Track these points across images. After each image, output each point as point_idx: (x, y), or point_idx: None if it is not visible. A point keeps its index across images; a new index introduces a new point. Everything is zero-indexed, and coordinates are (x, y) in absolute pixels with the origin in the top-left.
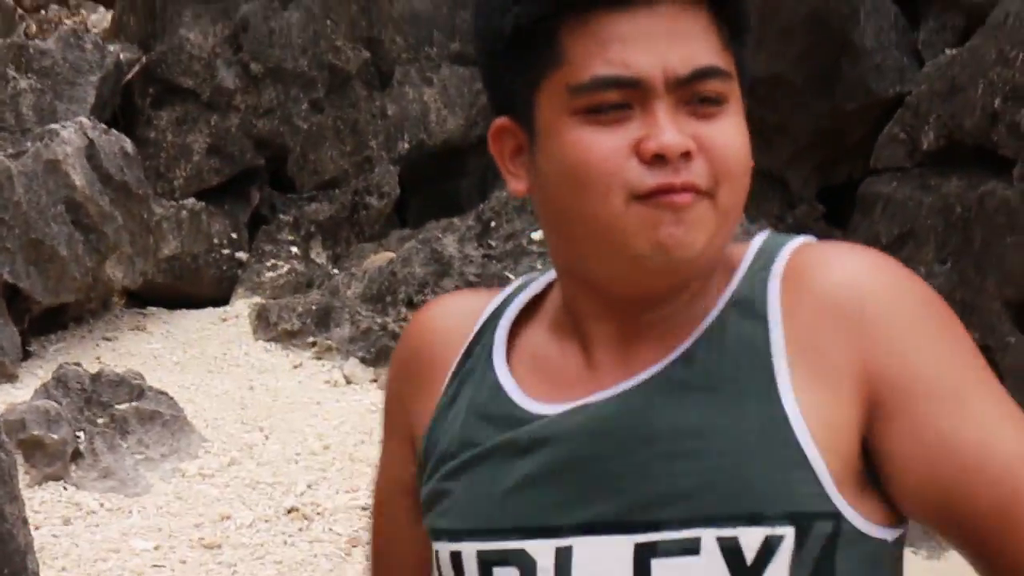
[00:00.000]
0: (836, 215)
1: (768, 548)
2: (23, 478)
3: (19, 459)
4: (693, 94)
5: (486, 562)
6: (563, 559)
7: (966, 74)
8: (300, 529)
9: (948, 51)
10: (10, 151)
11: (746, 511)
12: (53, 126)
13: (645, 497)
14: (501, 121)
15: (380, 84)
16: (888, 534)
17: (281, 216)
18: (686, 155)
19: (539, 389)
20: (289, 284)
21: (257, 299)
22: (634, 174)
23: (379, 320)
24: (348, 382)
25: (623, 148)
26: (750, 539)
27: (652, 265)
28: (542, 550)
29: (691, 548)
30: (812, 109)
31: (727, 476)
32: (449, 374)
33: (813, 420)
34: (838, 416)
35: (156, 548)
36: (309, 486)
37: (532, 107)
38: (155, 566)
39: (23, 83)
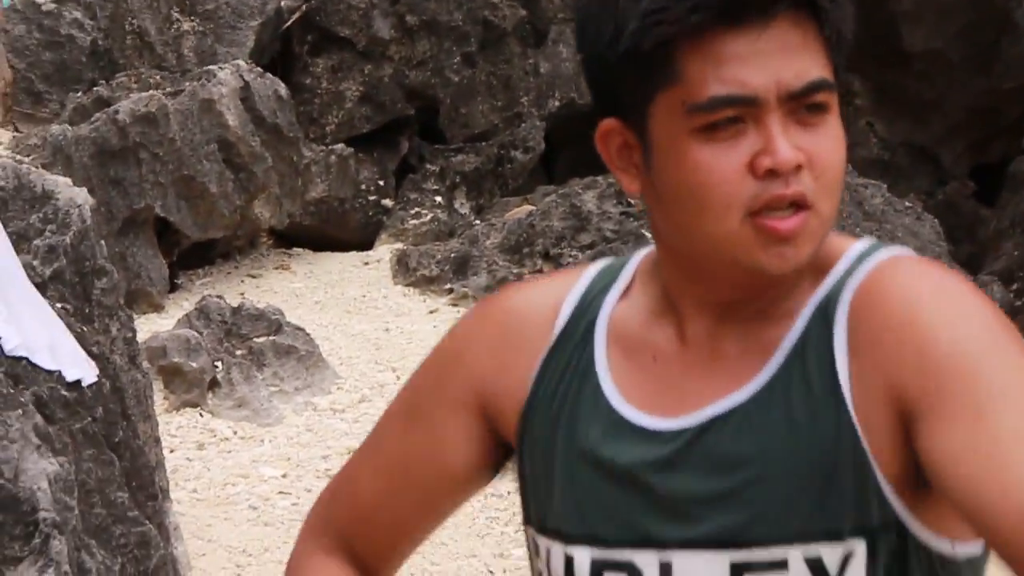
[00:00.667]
0: (987, 193)
1: (846, 561)
2: (162, 403)
3: (159, 385)
4: (802, 105)
5: (598, 569)
6: (665, 572)
7: None
8: None
9: None
10: (168, 90)
11: (825, 528)
12: (210, 67)
13: (739, 517)
14: (610, 123)
15: (535, 42)
16: (959, 549)
17: (428, 166)
18: (797, 168)
19: (638, 394)
20: (431, 232)
21: (399, 245)
22: (749, 192)
23: (515, 270)
24: None
25: (740, 168)
26: (831, 555)
27: (766, 275)
28: (648, 563)
29: (780, 565)
30: (969, 86)
31: (808, 496)
32: (540, 362)
33: (872, 428)
34: (887, 423)
35: (283, 476)
36: None
37: (645, 117)
38: (281, 493)
39: (186, 25)
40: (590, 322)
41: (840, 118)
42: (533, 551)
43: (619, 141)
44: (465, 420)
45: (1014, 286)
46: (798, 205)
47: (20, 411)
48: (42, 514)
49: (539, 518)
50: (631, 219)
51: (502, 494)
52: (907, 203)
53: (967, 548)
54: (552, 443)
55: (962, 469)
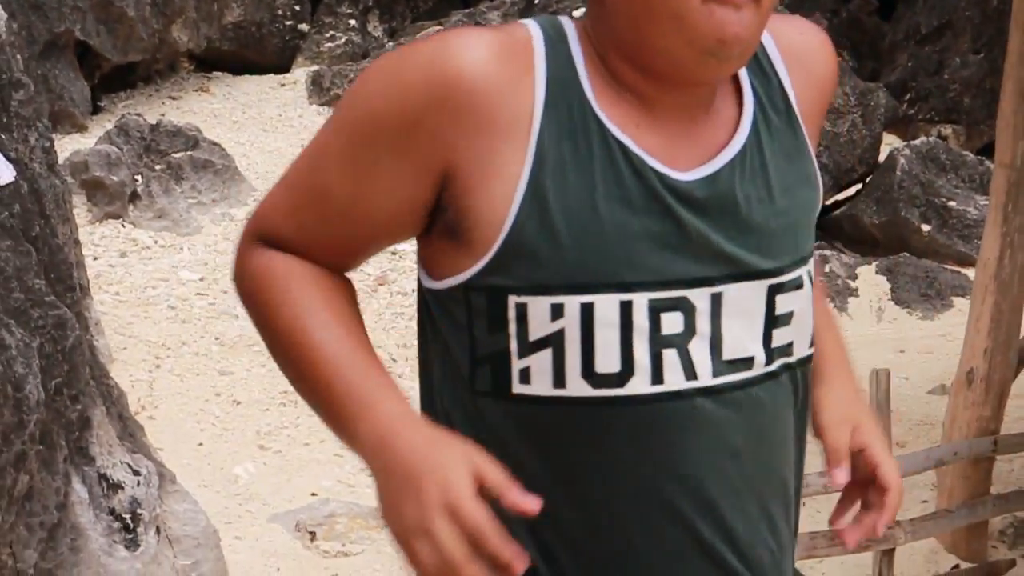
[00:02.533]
0: (887, 9)
1: (810, 274)
2: (85, 215)
3: (82, 198)
4: None
5: (655, 309)
6: (716, 302)
7: None
8: None
9: None
10: None
11: (810, 246)
12: None
13: (770, 250)
14: None
15: None
16: None
17: None
18: None
19: (656, 148)
20: (346, 55)
21: (316, 68)
22: None
23: None
24: None
25: None
26: (811, 268)
27: (715, 59)
28: (701, 296)
29: (799, 284)
30: None
31: (804, 225)
32: (536, 128)
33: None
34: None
35: (201, 279)
36: None
37: None
38: (199, 294)
39: None
40: (579, 98)
41: None
42: (494, 317)
43: None
44: (421, 180)
45: (907, 96)
46: None
47: None
48: None
49: (538, 280)
50: None
51: (407, 292)
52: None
53: None
54: (585, 207)
55: None
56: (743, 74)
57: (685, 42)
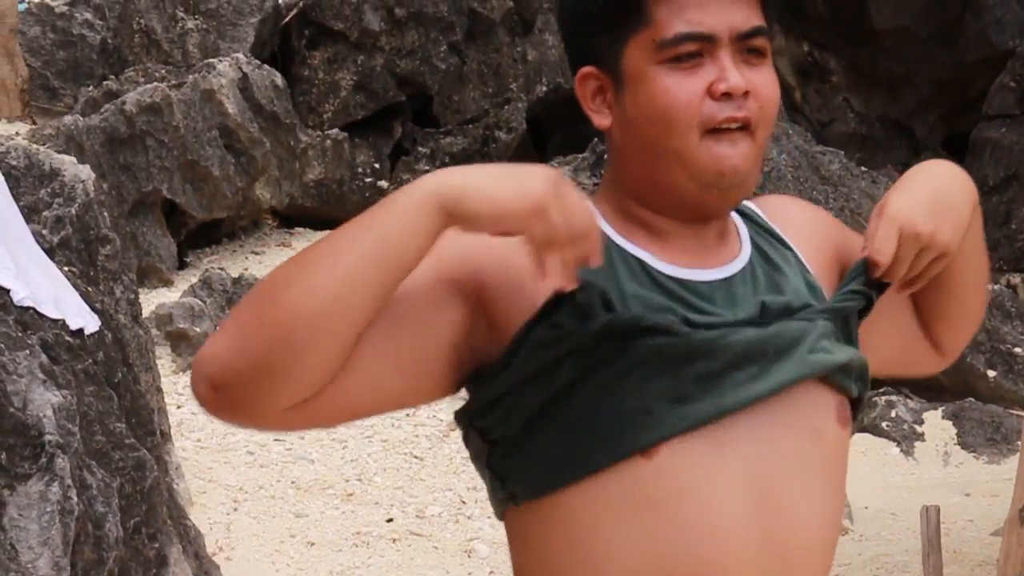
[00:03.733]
0: (960, 162)
1: None
2: (170, 365)
3: (167, 349)
4: (747, 47)
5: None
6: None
7: None
8: (407, 415)
9: None
10: (172, 82)
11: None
12: (211, 60)
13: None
14: (587, 69)
15: (522, 31)
16: None
17: (420, 148)
18: (745, 94)
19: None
20: None
21: None
22: (708, 111)
23: None
24: None
25: (700, 92)
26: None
27: (715, 192)
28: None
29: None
30: (936, 61)
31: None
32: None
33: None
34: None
35: None
36: None
37: (619, 59)
38: (276, 440)
39: (190, 23)
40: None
41: (774, 67)
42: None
43: (594, 85)
44: (467, 312)
45: None
46: (745, 127)
47: (27, 351)
48: (47, 437)
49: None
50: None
51: None
52: (863, 168)
53: None
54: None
55: None
56: (742, 228)
57: (688, 177)
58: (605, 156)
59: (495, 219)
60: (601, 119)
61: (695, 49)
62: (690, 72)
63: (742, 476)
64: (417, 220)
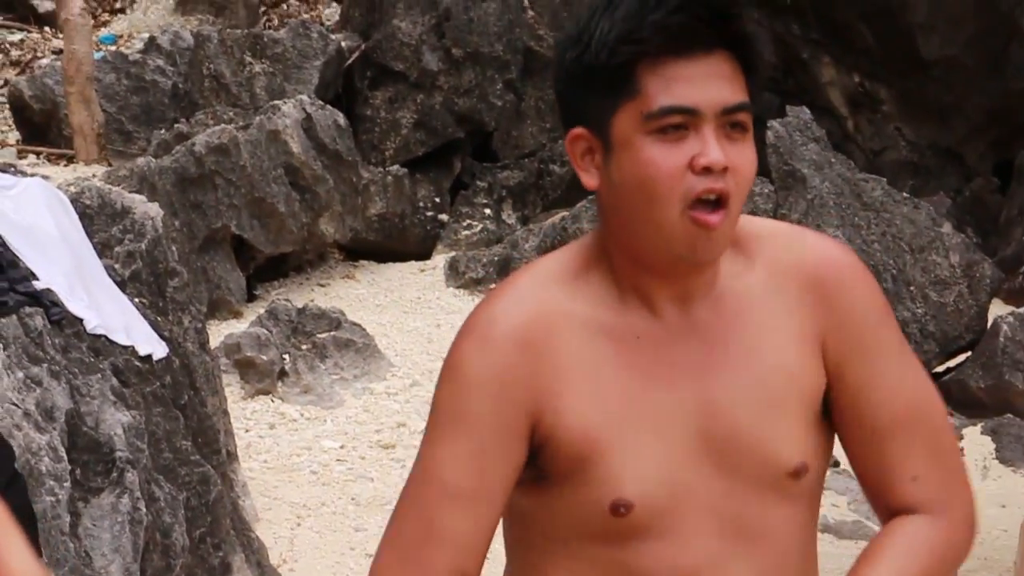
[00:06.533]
0: (1005, 187)
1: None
2: (239, 391)
3: (235, 376)
4: (730, 122)
5: None
6: None
7: None
8: None
9: None
10: (240, 124)
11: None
12: (276, 102)
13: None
14: (578, 131)
15: None
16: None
17: (478, 182)
18: (724, 169)
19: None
20: (482, 241)
21: (454, 254)
22: (688, 185)
23: None
24: None
25: (681, 165)
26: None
27: (688, 262)
28: None
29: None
30: (985, 89)
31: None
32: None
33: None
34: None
35: (341, 447)
36: None
37: (608, 125)
38: (339, 460)
39: (257, 67)
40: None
41: (753, 141)
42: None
43: (584, 146)
44: (521, 444)
45: (1023, 269)
46: (721, 200)
47: (99, 375)
48: (118, 453)
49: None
50: None
51: None
52: (905, 194)
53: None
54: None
55: None
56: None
57: (664, 245)
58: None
59: None
60: (589, 179)
61: (680, 122)
62: (674, 144)
63: (706, 528)
64: None
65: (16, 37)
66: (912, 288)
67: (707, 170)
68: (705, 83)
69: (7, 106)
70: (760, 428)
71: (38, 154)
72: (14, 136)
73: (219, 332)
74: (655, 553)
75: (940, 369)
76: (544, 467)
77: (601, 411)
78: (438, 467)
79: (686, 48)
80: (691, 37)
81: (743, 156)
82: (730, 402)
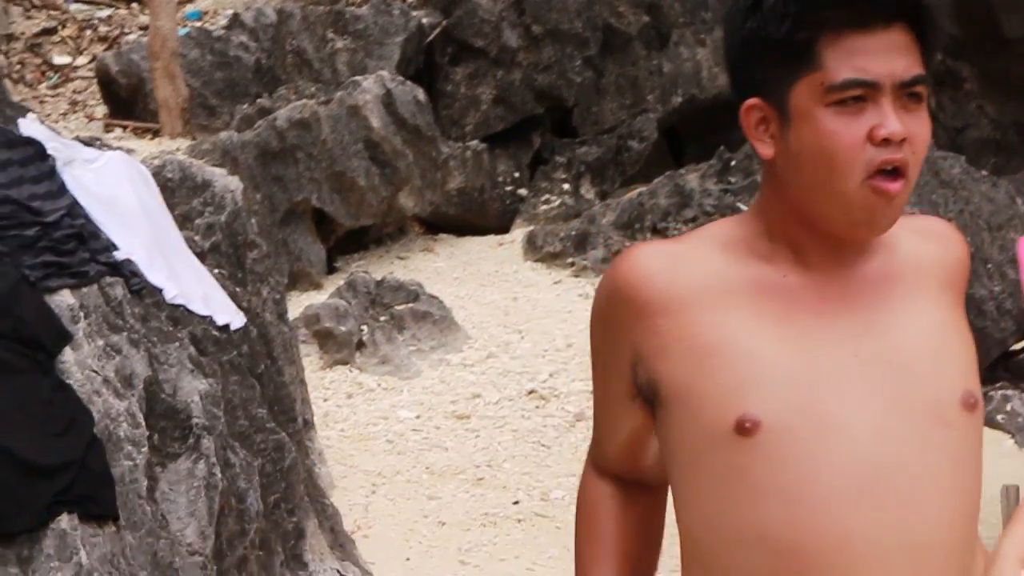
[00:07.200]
0: None
1: None
2: (317, 362)
3: (314, 347)
4: (906, 93)
5: None
6: None
7: None
8: (537, 407)
9: None
10: (321, 99)
11: None
12: (357, 78)
13: None
14: (753, 101)
15: (658, 45)
16: None
17: (557, 158)
18: (902, 140)
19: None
20: (560, 215)
21: (531, 228)
22: (868, 155)
23: (627, 243)
24: None
25: (861, 136)
26: None
27: (867, 229)
28: None
29: None
30: None
31: None
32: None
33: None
34: None
35: (417, 417)
36: (551, 375)
37: (786, 96)
38: (414, 430)
39: (339, 43)
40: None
41: (928, 109)
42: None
43: (758, 116)
44: (627, 369)
45: None
46: (899, 170)
47: (178, 344)
48: (195, 420)
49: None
50: (728, 195)
51: None
52: (984, 172)
53: None
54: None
55: None
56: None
57: (842, 213)
58: (732, 163)
59: None
60: (765, 148)
61: (860, 94)
62: (853, 116)
63: (849, 454)
64: None
65: (104, 13)
66: (990, 266)
67: (886, 141)
68: (885, 56)
69: (95, 81)
70: (925, 354)
71: (124, 128)
72: (101, 110)
73: (299, 303)
74: (790, 492)
75: (1017, 347)
76: (665, 385)
77: (729, 325)
78: (593, 382)
79: (867, 21)
80: (872, 10)
81: (919, 126)
82: (891, 330)
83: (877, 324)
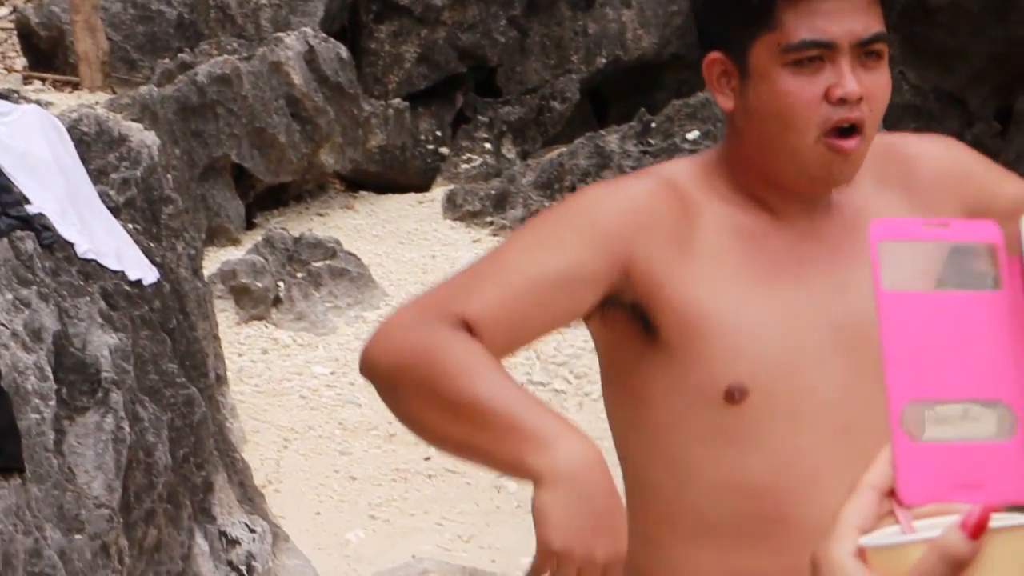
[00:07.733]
0: (1005, 132)
1: None
2: (233, 317)
3: (231, 303)
4: (864, 51)
5: None
6: None
7: None
8: None
9: None
10: (243, 55)
11: None
12: (279, 34)
13: None
14: (715, 55)
15: (584, 5)
16: None
17: (479, 117)
18: (859, 99)
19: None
20: (481, 175)
21: (452, 187)
22: (824, 113)
23: (547, 204)
24: None
25: (818, 95)
26: None
27: (823, 183)
28: None
29: None
30: (988, 35)
31: None
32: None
33: None
34: None
35: (332, 373)
36: None
37: (746, 54)
38: (328, 386)
39: None
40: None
41: (888, 65)
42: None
43: (720, 69)
44: (616, 270)
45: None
46: (856, 128)
47: (88, 298)
48: (103, 374)
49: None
50: (648, 156)
51: None
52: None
53: None
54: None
55: None
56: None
57: (799, 171)
58: (652, 125)
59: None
60: (725, 101)
61: (816, 54)
62: (810, 76)
63: (824, 412)
64: (511, 469)
65: None
66: None
67: (842, 101)
68: (842, 16)
69: (14, 32)
70: None
71: (43, 80)
72: (20, 62)
73: (216, 259)
74: (770, 448)
75: None
76: (658, 333)
77: (721, 288)
78: (508, 245)
79: None
80: None
81: (878, 83)
82: (864, 294)
83: (847, 286)
